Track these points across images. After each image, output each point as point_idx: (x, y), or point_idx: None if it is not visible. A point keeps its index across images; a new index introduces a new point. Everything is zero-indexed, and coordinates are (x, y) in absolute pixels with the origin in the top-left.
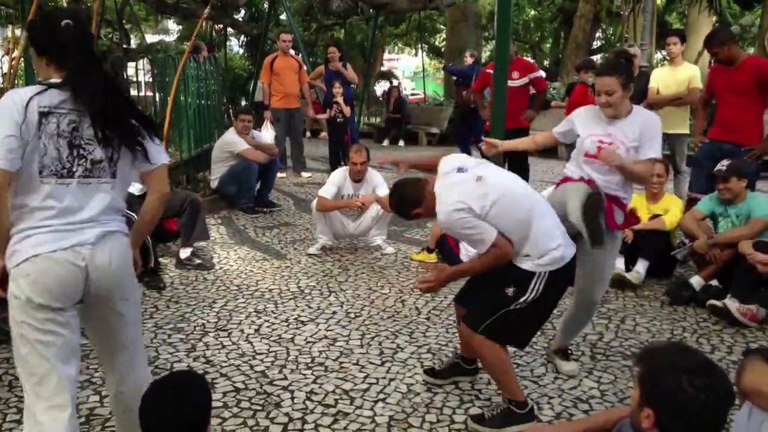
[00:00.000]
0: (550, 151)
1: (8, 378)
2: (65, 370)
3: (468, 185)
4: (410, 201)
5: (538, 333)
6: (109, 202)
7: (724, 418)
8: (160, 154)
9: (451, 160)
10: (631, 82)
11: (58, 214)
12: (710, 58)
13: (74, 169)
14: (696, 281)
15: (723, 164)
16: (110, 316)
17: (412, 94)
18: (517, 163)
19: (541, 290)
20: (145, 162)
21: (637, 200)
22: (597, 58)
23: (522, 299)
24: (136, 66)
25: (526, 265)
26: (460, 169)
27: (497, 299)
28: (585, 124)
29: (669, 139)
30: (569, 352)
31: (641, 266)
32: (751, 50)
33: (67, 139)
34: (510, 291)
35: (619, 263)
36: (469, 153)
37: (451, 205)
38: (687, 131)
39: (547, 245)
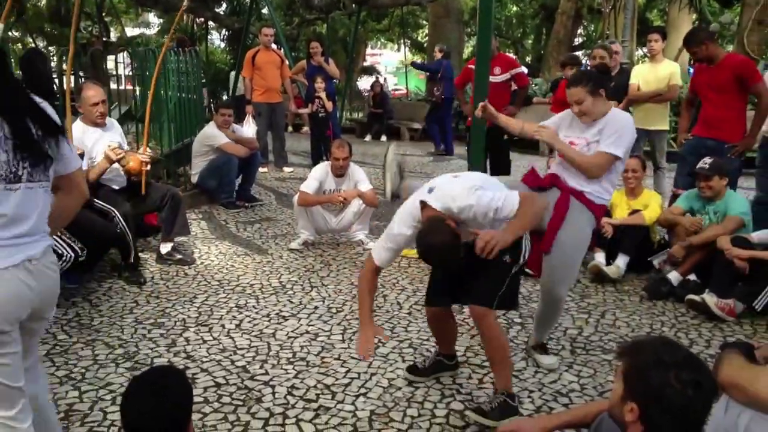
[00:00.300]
0: (531, 147)
1: None
2: (21, 387)
3: (454, 182)
4: (452, 245)
5: (519, 328)
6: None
7: (708, 412)
8: (76, 159)
9: (415, 195)
10: (601, 87)
11: (6, 224)
12: (690, 57)
13: (20, 173)
14: (674, 276)
15: (705, 162)
16: (26, 334)
17: (395, 90)
18: (498, 158)
19: (530, 246)
20: (61, 165)
21: (616, 196)
22: (580, 54)
23: (520, 261)
24: (116, 59)
25: None
26: (430, 190)
27: (500, 271)
28: (565, 126)
29: (649, 136)
30: (547, 346)
31: (621, 261)
32: (731, 48)
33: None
34: (507, 258)
35: (600, 258)
36: (441, 143)
37: (465, 192)
38: (666, 127)
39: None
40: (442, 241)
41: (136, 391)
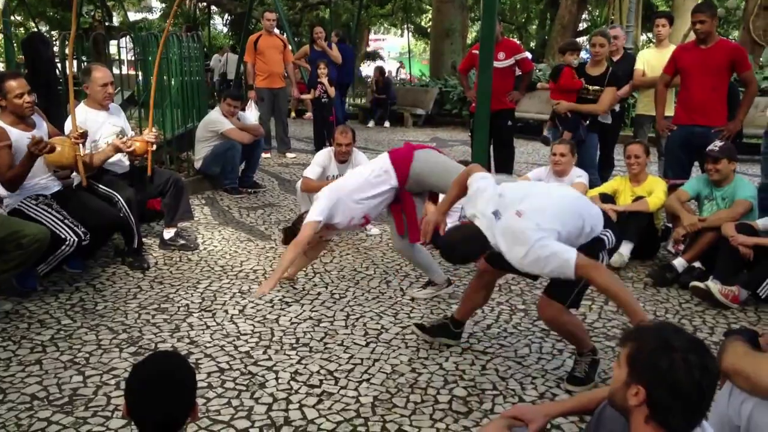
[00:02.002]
0: (535, 133)
1: None
2: None
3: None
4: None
5: (522, 314)
6: None
7: (713, 397)
8: None
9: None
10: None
11: None
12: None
13: None
14: (679, 263)
15: (716, 145)
16: None
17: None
18: (503, 146)
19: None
20: None
21: (620, 182)
22: (582, 39)
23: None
24: (118, 44)
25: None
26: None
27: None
28: None
29: (654, 122)
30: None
31: (625, 248)
32: (736, 33)
33: None
34: None
35: None
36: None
37: (525, 237)
38: (672, 113)
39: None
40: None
41: (140, 377)
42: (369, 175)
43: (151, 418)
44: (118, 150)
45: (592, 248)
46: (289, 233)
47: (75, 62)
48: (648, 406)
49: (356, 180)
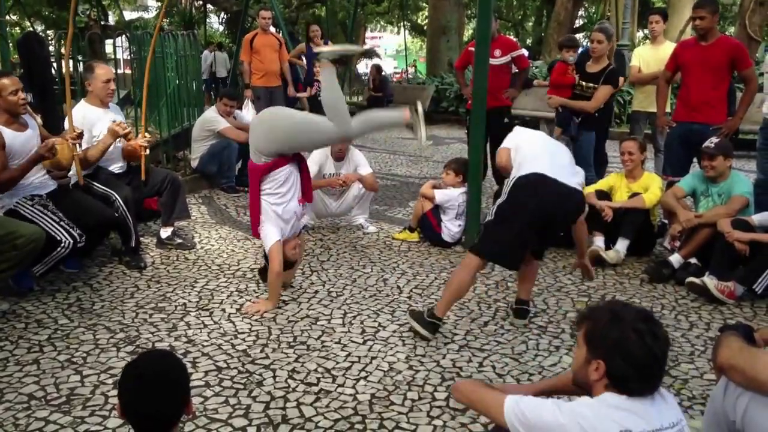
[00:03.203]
0: (531, 128)
1: None
2: None
3: None
4: None
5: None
6: None
7: (666, 360)
8: None
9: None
10: None
11: None
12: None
13: None
14: (675, 259)
15: (712, 141)
16: None
17: (395, 73)
18: (499, 143)
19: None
20: None
21: (615, 179)
22: (580, 36)
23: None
24: (114, 43)
25: None
26: None
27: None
28: None
29: (650, 118)
30: None
31: (621, 245)
32: (732, 30)
33: None
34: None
35: (599, 241)
36: None
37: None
38: (668, 110)
39: None
40: None
41: (131, 377)
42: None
43: (145, 417)
44: (116, 136)
45: None
46: (265, 272)
47: (71, 62)
48: (607, 377)
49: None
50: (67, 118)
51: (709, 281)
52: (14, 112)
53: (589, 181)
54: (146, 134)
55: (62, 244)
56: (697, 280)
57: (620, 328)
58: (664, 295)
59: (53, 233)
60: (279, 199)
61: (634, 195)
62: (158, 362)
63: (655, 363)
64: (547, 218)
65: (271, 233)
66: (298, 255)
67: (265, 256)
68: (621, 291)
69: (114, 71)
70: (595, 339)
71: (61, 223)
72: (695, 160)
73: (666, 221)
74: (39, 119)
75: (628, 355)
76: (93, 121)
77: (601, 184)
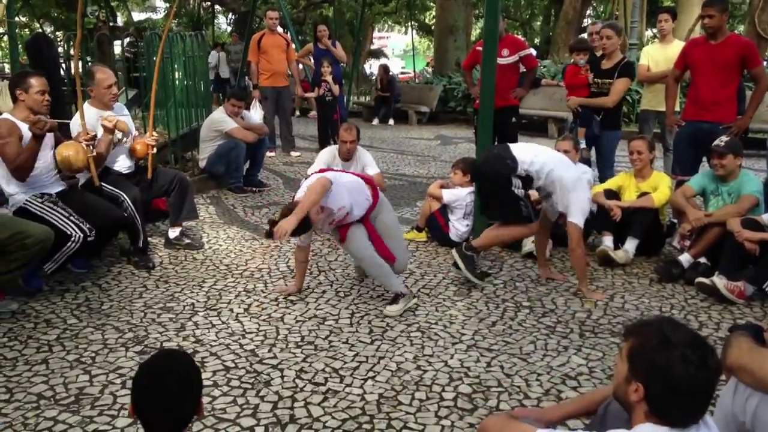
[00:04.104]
0: (539, 130)
1: None
2: None
3: None
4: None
5: (527, 311)
6: None
7: (713, 391)
8: None
9: None
10: None
11: None
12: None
13: None
14: (685, 259)
15: (722, 140)
16: None
17: (402, 73)
18: (507, 142)
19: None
20: None
21: (624, 178)
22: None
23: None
24: (123, 44)
25: None
26: None
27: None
28: None
29: (659, 117)
30: (398, 296)
31: (630, 245)
32: (741, 28)
33: None
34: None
35: (608, 241)
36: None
37: None
38: (677, 108)
39: None
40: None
41: (145, 377)
42: (356, 182)
43: (158, 417)
44: (109, 131)
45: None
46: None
47: (80, 63)
48: (647, 401)
49: (352, 178)
50: (77, 120)
51: (719, 281)
52: (36, 111)
53: (605, 180)
54: (154, 132)
55: (72, 239)
56: (706, 281)
57: (668, 353)
58: (674, 294)
59: (63, 228)
60: (352, 197)
61: (643, 194)
62: (172, 362)
63: (701, 395)
64: None
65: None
66: (306, 253)
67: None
68: (630, 291)
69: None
70: (638, 359)
71: (71, 218)
72: (704, 159)
73: (675, 221)
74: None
75: (671, 383)
76: (95, 124)
77: (610, 184)
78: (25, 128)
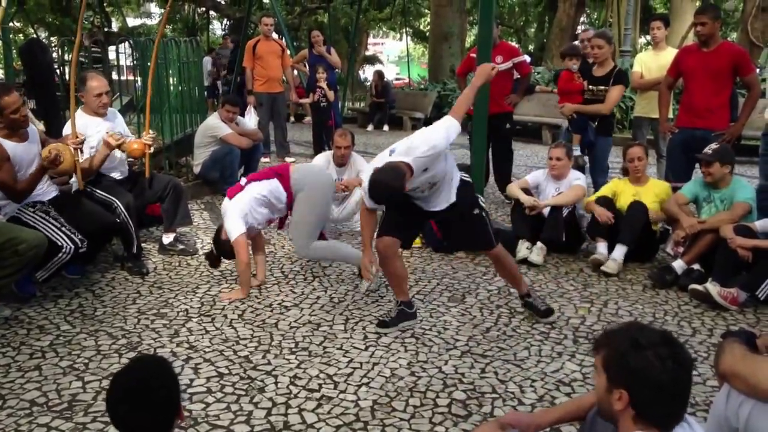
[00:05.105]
0: (533, 137)
1: None
2: None
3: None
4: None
5: (521, 318)
6: None
7: (691, 385)
8: None
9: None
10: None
11: None
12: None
13: None
14: (678, 265)
15: (710, 148)
16: None
17: (397, 79)
18: (501, 149)
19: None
20: None
21: (618, 184)
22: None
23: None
24: (117, 50)
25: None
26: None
27: (480, 221)
28: None
29: (652, 124)
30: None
31: (618, 253)
32: (734, 35)
33: None
34: (476, 211)
35: (602, 248)
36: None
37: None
38: (670, 116)
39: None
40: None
41: (116, 390)
42: (260, 194)
43: (135, 429)
44: (111, 147)
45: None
46: (212, 257)
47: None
48: (632, 407)
49: (253, 196)
50: (69, 124)
51: (712, 288)
52: (18, 127)
53: (601, 187)
54: (150, 131)
55: (63, 250)
56: (700, 287)
57: (642, 354)
58: (667, 301)
59: (54, 239)
60: (264, 212)
61: (635, 202)
62: (142, 372)
63: (682, 388)
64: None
65: (237, 222)
66: (261, 240)
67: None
68: (624, 297)
69: (117, 77)
70: (615, 367)
71: (63, 228)
72: (697, 166)
73: (669, 227)
74: (41, 126)
75: (652, 382)
76: (91, 130)
77: (604, 191)
78: (9, 145)
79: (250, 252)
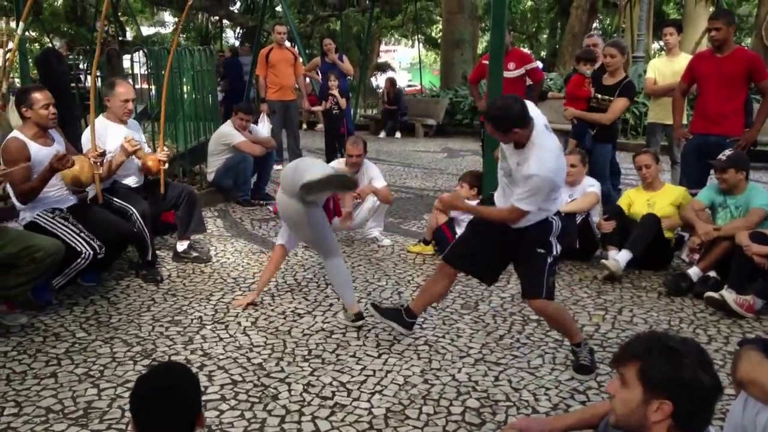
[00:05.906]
0: None
1: (5, 372)
2: None
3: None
4: (516, 118)
5: (535, 324)
6: None
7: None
8: None
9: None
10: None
11: None
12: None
13: None
14: (694, 272)
15: (724, 154)
16: None
17: (409, 86)
18: None
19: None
20: None
21: (632, 194)
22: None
23: (553, 253)
24: (132, 58)
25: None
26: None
27: (537, 261)
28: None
29: (666, 130)
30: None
31: (622, 255)
32: (749, 41)
33: None
34: (540, 250)
35: (614, 256)
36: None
37: (552, 172)
38: (685, 121)
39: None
40: (510, 107)
41: (141, 393)
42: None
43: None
44: (127, 154)
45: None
46: None
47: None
48: (673, 417)
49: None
50: (88, 135)
51: (728, 295)
52: (44, 126)
53: (605, 195)
54: (164, 148)
55: (82, 255)
56: (715, 295)
57: (684, 364)
58: (682, 308)
59: (73, 244)
60: None
61: (648, 215)
62: (166, 377)
63: (715, 396)
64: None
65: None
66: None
67: None
68: (638, 304)
69: (132, 86)
70: (655, 378)
71: (81, 234)
72: (712, 171)
73: (684, 234)
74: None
75: (698, 391)
76: (112, 137)
77: (620, 203)
78: (34, 147)
79: (266, 260)
